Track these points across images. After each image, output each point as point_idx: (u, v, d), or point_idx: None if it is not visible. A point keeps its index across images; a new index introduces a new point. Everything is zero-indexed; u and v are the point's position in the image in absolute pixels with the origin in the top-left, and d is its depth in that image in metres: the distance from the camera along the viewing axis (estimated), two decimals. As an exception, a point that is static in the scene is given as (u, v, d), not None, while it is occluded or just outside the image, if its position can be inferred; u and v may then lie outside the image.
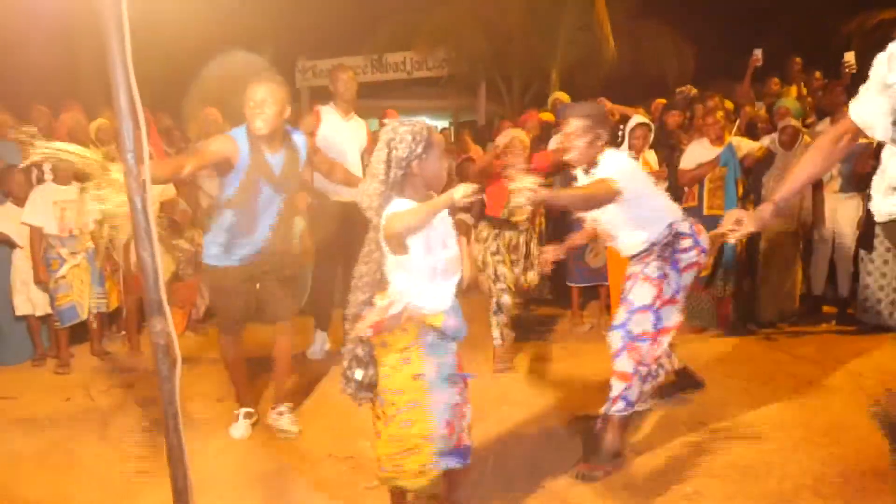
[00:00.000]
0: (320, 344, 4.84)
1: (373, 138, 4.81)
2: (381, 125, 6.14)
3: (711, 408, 3.63)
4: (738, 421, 3.44)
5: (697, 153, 5.18)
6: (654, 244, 3.09)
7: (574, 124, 3.01)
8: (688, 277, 3.13)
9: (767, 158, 5.27)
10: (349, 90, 4.69)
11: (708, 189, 5.12)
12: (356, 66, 13.56)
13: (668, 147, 5.61)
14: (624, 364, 3.03)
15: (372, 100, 12.66)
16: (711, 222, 5.02)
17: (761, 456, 3.05)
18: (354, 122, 4.81)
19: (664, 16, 11.46)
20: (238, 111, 3.30)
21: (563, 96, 7.20)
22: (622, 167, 2.95)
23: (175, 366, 1.31)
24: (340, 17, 13.15)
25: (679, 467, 2.99)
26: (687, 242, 3.11)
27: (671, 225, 3.10)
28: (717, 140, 5.12)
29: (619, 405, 3.04)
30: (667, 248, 3.08)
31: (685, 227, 3.14)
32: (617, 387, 3.05)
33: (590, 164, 3.07)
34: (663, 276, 3.06)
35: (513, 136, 4.47)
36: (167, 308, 1.31)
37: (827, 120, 5.84)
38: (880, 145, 5.45)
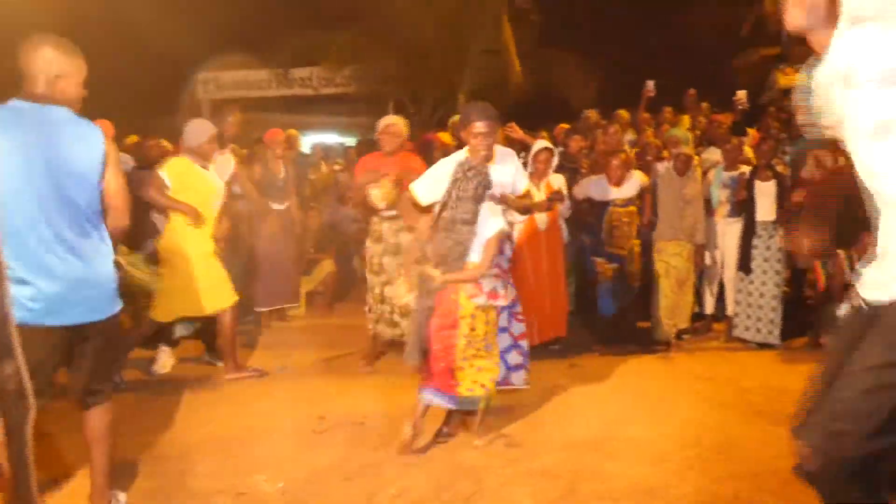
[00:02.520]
0: (165, 359, 4.85)
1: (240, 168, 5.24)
2: (263, 142, 6.18)
3: (612, 426, 3.69)
4: (639, 439, 3.51)
5: (593, 190, 5.37)
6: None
7: (488, 126, 3.50)
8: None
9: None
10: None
11: (606, 227, 5.33)
12: (261, 81, 13.30)
13: (570, 170, 5.76)
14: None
15: (277, 114, 12.39)
16: (611, 258, 5.28)
17: (660, 476, 3.10)
18: (221, 157, 4.96)
19: (570, 43, 11.87)
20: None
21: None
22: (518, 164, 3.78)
23: (28, 413, 1.15)
24: (245, 29, 12.84)
25: (580, 489, 2.99)
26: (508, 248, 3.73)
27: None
28: (617, 183, 5.30)
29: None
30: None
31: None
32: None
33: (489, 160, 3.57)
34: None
35: None
36: (19, 350, 1.15)
37: (712, 148, 6.21)
38: (753, 175, 5.78)
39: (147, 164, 6.30)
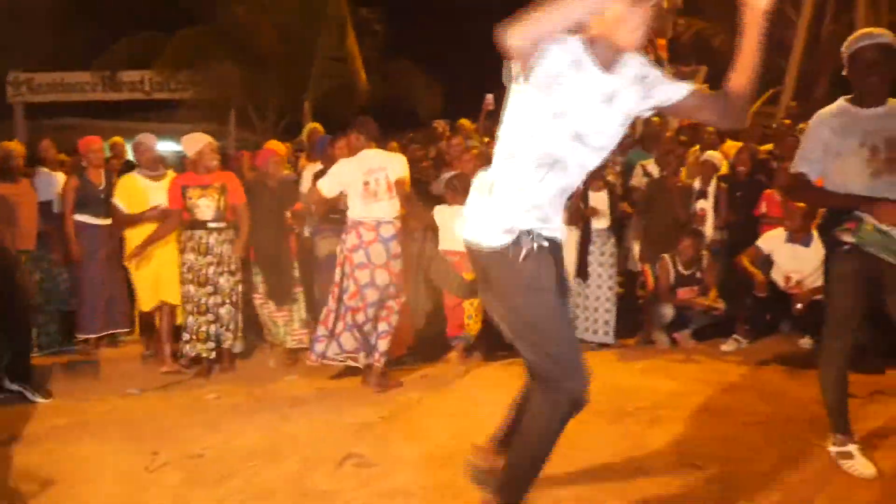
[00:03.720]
0: None
1: None
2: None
3: (462, 438, 3.68)
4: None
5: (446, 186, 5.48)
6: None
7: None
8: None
9: None
10: None
11: None
12: (83, 83, 12.19)
13: (415, 181, 5.78)
14: None
15: (103, 120, 11.43)
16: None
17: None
18: None
19: (415, 54, 12.02)
20: None
21: (318, 127, 7.18)
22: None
23: None
24: (66, 26, 11.75)
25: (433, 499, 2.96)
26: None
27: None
28: (473, 172, 5.47)
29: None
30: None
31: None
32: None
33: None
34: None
35: None
36: None
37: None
38: (586, 186, 6.12)
39: None
